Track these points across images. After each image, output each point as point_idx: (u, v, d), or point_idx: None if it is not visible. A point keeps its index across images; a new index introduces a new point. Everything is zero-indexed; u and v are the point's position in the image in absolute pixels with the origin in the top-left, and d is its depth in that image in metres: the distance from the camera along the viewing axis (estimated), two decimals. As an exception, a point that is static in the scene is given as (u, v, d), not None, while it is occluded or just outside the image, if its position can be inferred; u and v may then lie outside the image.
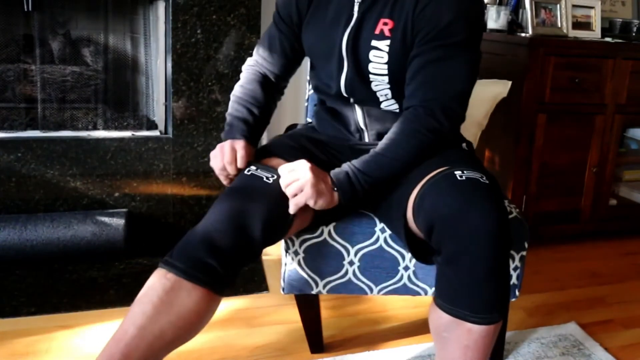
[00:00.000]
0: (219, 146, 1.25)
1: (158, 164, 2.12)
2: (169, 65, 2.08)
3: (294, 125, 1.54)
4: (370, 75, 1.24)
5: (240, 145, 1.23)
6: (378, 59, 1.22)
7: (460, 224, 1.00)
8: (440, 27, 1.15)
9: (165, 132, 2.17)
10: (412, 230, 1.17)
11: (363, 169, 1.15)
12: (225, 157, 1.22)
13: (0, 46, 2.05)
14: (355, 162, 1.17)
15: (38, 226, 1.93)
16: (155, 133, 2.17)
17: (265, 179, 1.16)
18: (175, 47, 2.05)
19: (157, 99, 2.19)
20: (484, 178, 1.06)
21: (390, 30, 1.20)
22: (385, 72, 1.22)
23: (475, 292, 1.02)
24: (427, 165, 1.16)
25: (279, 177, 1.15)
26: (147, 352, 1.02)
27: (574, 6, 2.46)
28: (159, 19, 2.10)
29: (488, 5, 2.38)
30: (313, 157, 1.28)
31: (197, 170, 2.18)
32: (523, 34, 2.31)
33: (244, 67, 1.41)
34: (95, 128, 2.15)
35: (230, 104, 1.34)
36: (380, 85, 1.25)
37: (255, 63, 1.40)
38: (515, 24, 2.39)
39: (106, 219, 1.99)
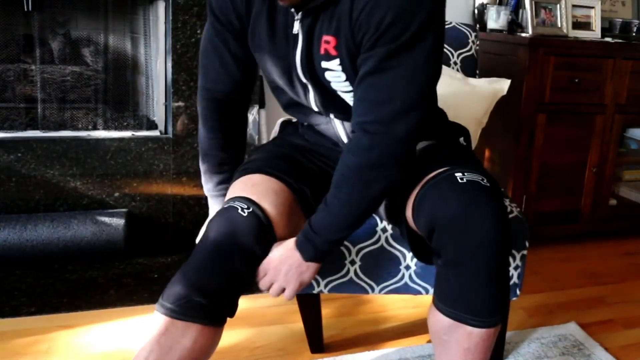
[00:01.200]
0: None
1: (158, 164, 2.12)
2: (169, 65, 2.08)
3: (287, 121, 1.47)
4: (340, 93, 1.13)
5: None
6: (337, 79, 1.09)
7: (462, 228, 1.00)
8: (380, 30, 0.97)
9: (165, 132, 2.17)
10: (414, 229, 1.16)
11: (317, 230, 1.08)
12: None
13: (0, 46, 2.05)
14: (313, 221, 1.09)
15: (38, 226, 1.93)
16: (155, 133, 2.17)
17: (240, 210, 1.10)
18: (175, 47, 2.05)
19: (157, 99, 2.19)
20: (485, 180, 1.05)
21: (334, 47, 1.05)
22: (351, 89, 1.10)
23: (476, 295, 1.02)
24: (427, 163, 1.15)
25: (254, 209, 1.11)
26: None
27: (574, 6, 2.46)
28: (159, 19, 2.09)
29: (488, 5, 2.38)
30: (300, 167, 1.24)
31: (197, 170, 2.16)
32: (523, 34, 2.31)
33: (198, 100, 1.27)
34: (95, 128, 2.14)
35: (201, 158, 1.30)
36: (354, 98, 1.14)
37: (207, 94, 1.23)
38: (515, 24, 2.39)
39: (106, 219, 1.99)
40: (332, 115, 1.21)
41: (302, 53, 1.08)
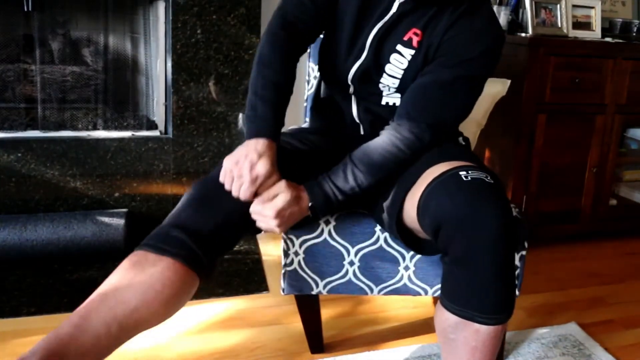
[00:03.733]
0: (233, 162, 1.12)
1: (158, 164, 2.12)
2: (169, 65, 2.08)
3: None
4: (384, 74, 1.24)
5: (263, 164, 1.12)
6: (398, 64, 1.22)
7: (469, 225, 1.01)
8: (463, 58, 1.17)
9: (165, 132, 2.17)
10: (406, 225, 1.19)
11: (342, 187, 1.17)
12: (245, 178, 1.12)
13: (0, 46, 2.05)
14: (332, 176, 1.17)
15: (38, 226, 1.93)
16: (155, 133, 2.17)
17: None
18: (175, 47, 2.05)
19: (157, 99, 2.19)
20: (489, 178, 1.07)
21: (418, 42, 1.21)
22: (399, 76, 1.23)
23: (483, 292, 1.03)
24: (424, 162, 1.17)
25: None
26: (108, 315, 0.98)
27: (574, 6, 2.46)
28: (159, 19, 2.10)
29: (488, 5, 2.38)
30: (292, 150, 1.29)
31: (197, 170, 2.18)
32: (523, 34, 2.31)
33: (270, 27, 1.23)
34: (95, 128, 2.15)
35: (256, 79, 1.20)
36: (387, 85, 1.26)
37: (287, 20, 1.23)
38: (515, 24, 2.39)
39: (106, 219, 1.99)
40: (351, 90, 1.30)
41: (383, 26, 1.21)
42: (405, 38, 1.21)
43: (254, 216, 1.14)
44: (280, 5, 1.26)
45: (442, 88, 1.18)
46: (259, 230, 1.20)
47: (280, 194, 1.13)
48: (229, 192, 1.12)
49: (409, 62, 1.21)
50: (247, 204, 1.13)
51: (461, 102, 1.21)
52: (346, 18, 1.25)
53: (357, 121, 1.34)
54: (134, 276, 1.02)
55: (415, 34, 1.20)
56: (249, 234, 1.21)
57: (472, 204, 1.01)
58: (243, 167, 1.10)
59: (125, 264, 1.05)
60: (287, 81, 1.21)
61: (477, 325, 1.04)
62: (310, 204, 1.17)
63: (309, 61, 1.73)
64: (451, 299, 1.06)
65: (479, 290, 1.03)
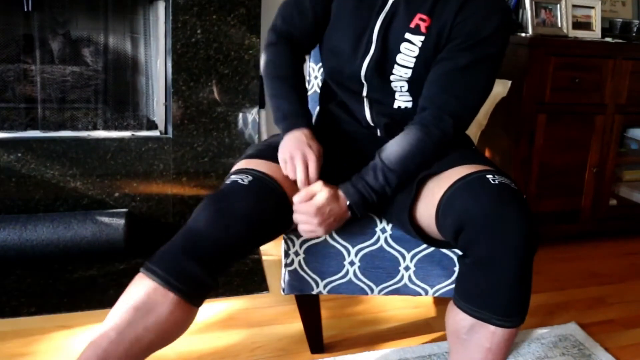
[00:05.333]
0: (289, 158, 1.18)
1: (158, 164, 2.12)
2: (169, 65, 2.08)
3: None
4: (395, 66, 1.22)
5: (311, 156, 1.18)
6: (409, 52, 1.21)
7: (494, 227, 1.01)
8: (478, 38, 1.16)
9: (165, 132, 2.17)
10: (418, 223, 1.19)
11: (374, 186, 1.17)
12: (299, 174, 1.17)
13: (0, 46, 2.05)
14: (365, 176, 1.17)
15: (38, 226, 1.93)
16: (155, 133, 2.17)
17: (240, 180, 1.13)
18: (175, 47, 2.05)
19: (157, 99, 2.19)
20: (514, 184, 1.08)
21: (426, 27, 1.19)
22: (412, 65, 1.21)
23: (502, 295, 1.03)
24: (444, 163, 1.17)
25: (255, 177, 1.14)
26: (124, 356, 1.01)
27: (574, 6, 2.46)
28: (159, 19, 2.10)
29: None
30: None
31: (197, 170, 2.18)
32: (523, 34, 2.31)
33: (267, 43, 1.32)
34: (95, 128, 2.14)
35: (271, 84, 1.27)
36: (399, 79, 1.24)
37: (281, 33, 1.30)
38: (515, 24, 2.39)
39: (106, 219, 1.99)
40: (364, 92, 1.29)
41: (386, 17, 1.21)
42: (412, 25, 1.20)
43: (295, 217, 1.14)
44: (271, 25, 1.32)
45: (463, 73, 1.17)
46: (277, 235, 1.19)
47: (319, 192, 1.13)
48: (245, 202, 1.10)
49: (420, 48, 1.20)
50: (261, 212, 1.11)
51: (483, 83, 1.20)
52: (345, 17, 1.25)
53: (372, 124, 1.33)
54: (147, 313, 1.02)
55: (422, 19, 1.19)
56: (268, 241, 1.17)
57: (500, 207, 1.02)
58: (297, 157, 1.17)
59: (136, 293, 1.04)
60: (298, 77, 1.27)
61: (493, 328, 1.04)
62: (347, 203, 1.16)
63: (310, 61, 1.73)
64: (468, 300, 1.06)
65: (499, 292, 1.03)
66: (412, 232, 1.20)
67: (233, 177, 1.16)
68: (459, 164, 1.14)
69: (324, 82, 1.42)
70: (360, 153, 1.30)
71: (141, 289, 1.04)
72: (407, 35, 1.20)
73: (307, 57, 1.42)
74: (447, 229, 1.09)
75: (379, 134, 1.34)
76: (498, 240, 1.01)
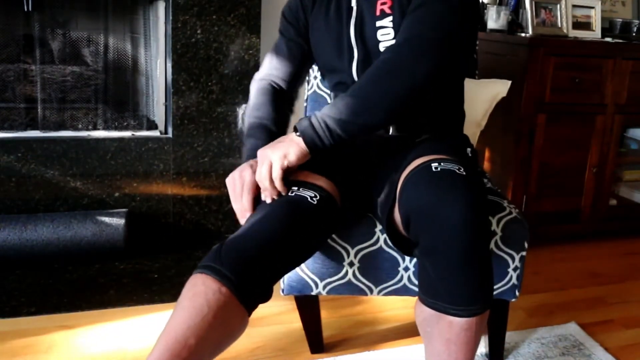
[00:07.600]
0: (235, 175, 1.19)
1: (158, 164, 2.12)
2: (169, 65, 2.08)
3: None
4: (381, 53, 1.23)
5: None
6: (386, 36, 1.26)
7: (433, 215, 0.98)
8: None
9: (165, 132, 2.17)
10: (395, 223, 1.17)
11: (328, 112, 1.13)
12: (236, 189, 1.17)
13: (0, 46, 2.05)
14: (324, 108, 1.16)
15: (38, 226, 1.93)
16: (155, 133, 2.17)
17: (309, 198, 1.12)
18: (175, 47, 2.06)
19: (157, 99, 2.19)
20: (462, 170, 1.03)
21: (389, 7, 1.25)
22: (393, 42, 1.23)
23: (452, 283, 1.00)
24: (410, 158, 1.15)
25: (321, 195, 1.15)
26: None
27: (574, 6, 2.46)
28: (159, 19, 2.10)
29: (488, 5, 2.38)
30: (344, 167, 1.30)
31: (197, 170, 2.18)
32: (523, 34, 2.31)
33: (252, 84, 1.39)
34: (95, 128, 2.15)
35: (246, 125, 1.33)
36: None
37: (264, 76, 1.39)
38: (515, 24, 2.39)
39: (106, 219, 1.99)
40: None
41: (356, 20, 1.28)
42: (378, 13, 1.26)
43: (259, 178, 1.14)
44: (259, 75, 1.40)
45: (416, 8, 1.17)
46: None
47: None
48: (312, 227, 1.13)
49: (393, 27, 1.25)
50: (326, 234, 1.18)
51: (439, 19, 1.14)
52: (323, 38, 1.34)
53: None
54: (224, 326, 0.99)
55: (383, 3, 1.25)
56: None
57: (437, 193, 0.99)
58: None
59: (212, 302, 0.98)
60: (279, 123, 1.32)
61: (450, 318, 1.02)
62: (296, 133, 1.14)
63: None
64: (425, 292, 1.05)
65: (448, 282, 1.00)
66: (390, 240, 1.18)
67: (300, 192, 1.14)
68: (418, 157, 1.11)
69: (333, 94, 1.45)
70: (370, 156, 1.31)
71: (219, 298, 0.99)
72: (378, 23, 1.26)
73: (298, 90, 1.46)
74: (402, 223, 1.08)
75: (391, 131, 1.32)
76: (436, 230, 0.98)
